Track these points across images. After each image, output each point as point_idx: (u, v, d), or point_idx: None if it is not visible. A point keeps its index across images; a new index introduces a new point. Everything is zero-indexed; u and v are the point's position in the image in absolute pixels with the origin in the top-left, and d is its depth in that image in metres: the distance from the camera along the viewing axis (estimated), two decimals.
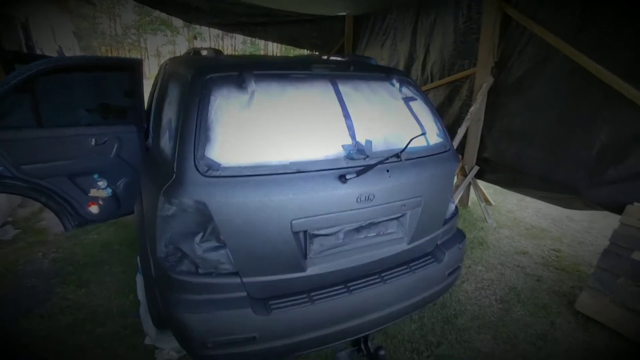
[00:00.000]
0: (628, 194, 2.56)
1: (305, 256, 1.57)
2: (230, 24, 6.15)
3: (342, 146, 1.60)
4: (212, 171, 1.39)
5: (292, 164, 1.49)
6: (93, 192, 2.67)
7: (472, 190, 4.28)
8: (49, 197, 2.54)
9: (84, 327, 2.28)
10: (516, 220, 4.14)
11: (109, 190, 2.72)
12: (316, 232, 1.56)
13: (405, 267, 1.84)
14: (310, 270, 1.59)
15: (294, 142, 1.53)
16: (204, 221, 1.43)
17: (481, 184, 4.27)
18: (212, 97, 1.49)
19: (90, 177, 2.64)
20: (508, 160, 3.63)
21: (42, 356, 2.06)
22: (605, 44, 2.72)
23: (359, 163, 1.60)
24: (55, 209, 2.61)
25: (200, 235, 1.46)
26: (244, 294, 1.51)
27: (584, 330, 2.40)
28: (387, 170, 1.66)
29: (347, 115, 1.66)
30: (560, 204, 3.34)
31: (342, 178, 1.52)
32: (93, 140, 2.53)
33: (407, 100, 1.93)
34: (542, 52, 3.17)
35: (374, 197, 1.61)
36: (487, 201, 4.38)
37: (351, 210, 1.57)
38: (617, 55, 2.66)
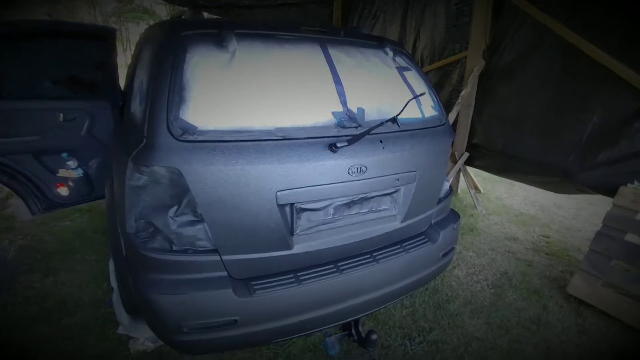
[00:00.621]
0: (620, 176, 2.52)
1: (291, 232, 1.44)
2: (215, 6, 5.91)
3: (333, 113, 1.47)
4: (188, 135, 1.24)
5: (278, 130, 1.35)
6: (62, 173, 2.47)
7: (461, 178, 4.22)
8: (12, 177, 2.32)
9: (50, 317, 2.09)
10: (505, 207, 4.11)
11: (80, 171, 2.52)
12: (304, 206, 1.43)
13: (398, 246, 1.73)
14: (297, 248, 1.46)
15: (279, 107, 1.39)
16: (179, 192, 1.28)
17: (470, 171, 4.21)
18: (188, 55, 1.33)
19: (58, 156, 2.43)
20: (499, 145, 3.58)
21: (1, 348, 1.88)
22: (600, 24, 2.66)
23: (351, 132, 1.47)
24: (20, 190, 2.39)
25: (174, 208, 1.31)
26: (224, 273, 1.37)
27: (577, 313, 2.35)
28: (381, 142, 1.54)
29: (337, 81, 1.53)
30: (552, 189, 3.30)
31: (333, 147, 1.39)
32: (61, 115, 2.33)
33: (401, 70, 1.81)
34: (536, 34, 3.11)
35: (366, 169, 1.49)
36: (476, 188, 4.33)
37: (342, 182, 1.45)
38: (611, 35, 2.61)
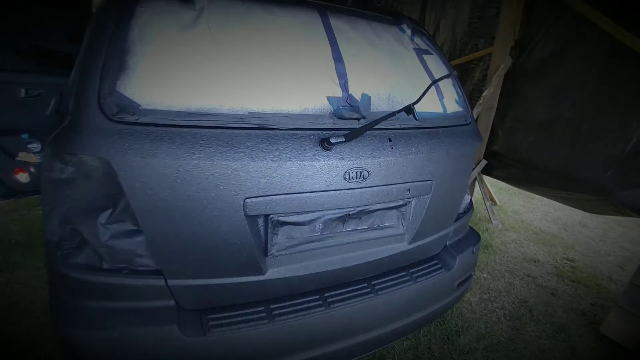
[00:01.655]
0: None
1: (265, 252, 1.09)
2: None
3: (329, 99, 1.12)
4: (125, 115, 0.90)
5: (252, 115, 1.00)
6: (22, 156, 2.16)
7: (476, 188, 3.84)
8: None
9: None
10: (524, 223, 3.71)
11: None
12: (283, 219, 1.08)
13: (404, 273, 1.38)
14: (272, 273, 1.12)
15: (257, 86, 1.04)
16: (113, 192, 0.94)
17: (486, 181, 3.82)
18: (139, 8, 0.99)
19: (17, 137, 2.12)
20: (522, 154, 3.18)
21: None
22: None
23: (350, 125, 1.12)
24: None
25: (107, 212, 0.97)
26: (171, 302, 1.03)
27: (611, 358, 1.97)
28: (389, 140, 1.19)
29: (338, 59, 1.18)
30: (583, 207, 2.90)
31: (326, 143, 1.04)
32: (23, 90, 2.02)
33: (420, 52, 1.45)
34: (576, 29, 2.70)
35: (368, 174, 1.14)
36: (492, 200, 3.94)
37: (336, 190, 1.10)
38: None
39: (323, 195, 1.08)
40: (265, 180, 1.00)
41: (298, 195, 1.05)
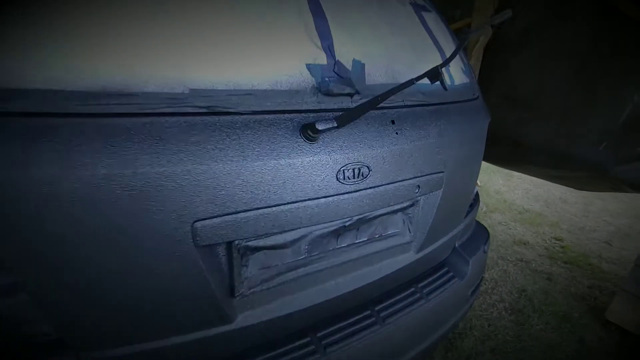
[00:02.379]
0: None
1: (231, 292, 0.76)
2: None
3: (309, 67, 0.78)
4: None
5: (196, 94, 0.65)
6: None
7: None
8: None
9: None
10: (507, 203, 3.60)
11: None
12: (254, 244, 0.76)
13: (412, 290, 1.10)
14: (244, 319, 0.79)
15: (201, 49, 0.68)
16: None
17: None
18: None
19: None
20: (508, 131, 2.99)
21: None
22: None
23: (342, 104, 0.80)
24: None
25: None
26: None
27: (620, 346, 1.84)
28: (392, 122, 0.88)
29: (317, 11, 0.84)
30: (576, 185, 2.77)
31: (309, 130, 0.72)
32: None
33: (418, 8, 1.13)
34: None
35: (368, 171, 0.83)
36: None
37: (327, 197, 0.78)
38: None
39: (309, 205, 0.76)
40: (223, 193, 0.66)
41: (274, 209, 0.72)
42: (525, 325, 1.94)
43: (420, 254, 1.09)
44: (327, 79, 0.79)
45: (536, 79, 2.72)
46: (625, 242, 2.91)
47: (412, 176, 0.93)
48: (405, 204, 0.99)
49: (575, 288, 2.30)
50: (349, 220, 0.88)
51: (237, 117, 0.68)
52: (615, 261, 2.62)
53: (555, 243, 2.87)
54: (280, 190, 0.72)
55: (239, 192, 0.67)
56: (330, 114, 0.76)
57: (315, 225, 0.80)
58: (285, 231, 0.77)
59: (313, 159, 0.74)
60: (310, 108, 0.76)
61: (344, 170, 0.78)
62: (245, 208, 0.69)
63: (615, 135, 2.27)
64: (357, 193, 0.82)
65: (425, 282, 1.13)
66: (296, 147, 0.72)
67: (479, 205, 1.48)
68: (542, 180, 3.24)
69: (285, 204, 0.73)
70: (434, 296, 1.10)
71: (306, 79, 0.77)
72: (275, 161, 0.70)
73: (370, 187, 0.84)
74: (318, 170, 0.75)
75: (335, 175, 0.77)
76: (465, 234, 1.36)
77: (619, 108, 2.26)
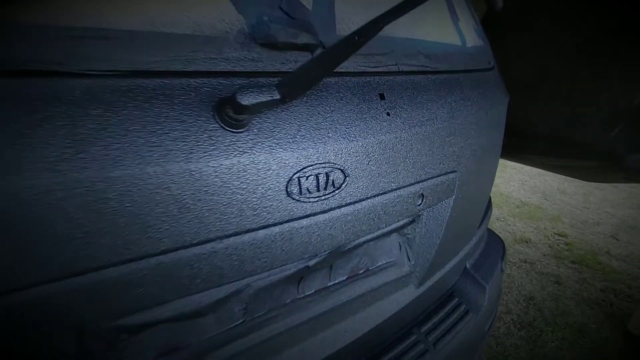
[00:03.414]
0: None
1: None
2: None
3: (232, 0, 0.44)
4: None
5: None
6: None
7: None
8: None
9: None
10: (503, 196, 3.34)
11: None
12: (134, 320, 0.41)
13: (413, 339, 0.78)
14: None
15: None
16: None
17: None
18: None
19: None
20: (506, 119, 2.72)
21: None
22: None
23: (292, 63, 0.46)
24: None
25: None
26: None
27: None
28: (381, 97, 0.55)
29: None
30: (584, 176, 2.50)
31: (229, 109, 0.37)
32: None
33: None
34: None
35: (344, 178, 0.49)
36: None
37: (267, 227, 0.45)
38: None
39: (236, 245, 0.43)
40: (40, 234, 0.32)
41: (162, 259, 0.38)
42: (538, 342, 1.66)
43: (423, 288, 0.78)
44: (266, 19, 0.45)
45: (537, 58, 2.43)
46: (633, 236, 2.68)
47: (412, 181, 0.60)
48: (402, 222, 0.66)
49: (587, 292, 2.04)
50: (313, 259, 0.55)
51: (85, 80, 0.34)
52: (625, 258, 2.38)
53: (559, 240, 2.62)
54: (174, 225, 0.38)
55: (79, 234, 0.33)
56: (270, 80, 0.43)
57: (253, 275, 0.47)
58: (197, 291, 0.43)
59: (239, 162, 0.40)
60: (236, 69, 0.42)
61: (299, 178, 0.45)
62: (99, 264, 0.35)
63: (629, 119, 2.00)
64: (326, 215, 0.49)
65: (430, 323, 0.81)
66: (206, 141, 0.38)
67: (491, 209, 1.17)
68: (537, 170, 3.00)
69: (186, 246, 0.39)
70: (443, 344, 0.78)
71: (228, 17, 0.43)
72: (159, 168, 0.36)
73: (347, 204, 0.51)
74: (250, 181, 0.41)
75: (284, 188, 0.44)
76: (477, 248, 1.05)
77: (633, 88, 1.99)
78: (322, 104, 0.47)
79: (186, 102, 0.38)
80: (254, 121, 0.41)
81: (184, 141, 0.37)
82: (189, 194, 0.38)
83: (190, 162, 0.37)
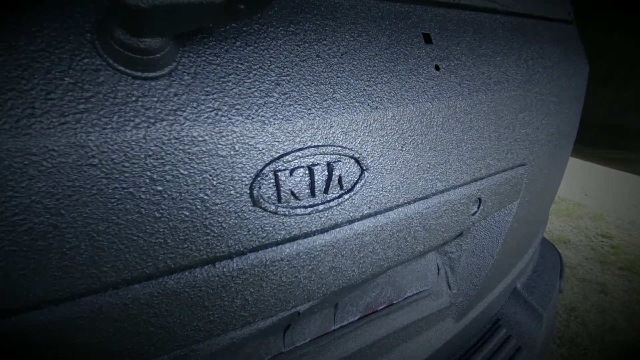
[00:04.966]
0: None
1: None
2: None
3: None
4: None
5: None
6: None
7: None
8: None
9: None
10: None
11: None
12: None
13: None
14: None
15: None
16: None
17: None
18: None
19: None
20: None
21: None
22: None
23: None
24: None
25: None
26: None
27: None
28: (427, 39, 0.33)
29: None
30: (637, 170, 2.20)
31: (112, 17, 0.16)
32: None
33: None
34: None
35: (360, 173, 0.28)
36: None
37: (228, 259, 0.24)
38: None
39: (153, 293, 0.23)
40: None
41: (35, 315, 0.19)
42: None
43: (465, 321, 0.57)
44: None
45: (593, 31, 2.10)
46: None
47: (468, 179, 0.39)
48: (446, 237, 0.45)
49: (639, 305, 1.77)
50: (306, 304, 0.35)
51: None
52: None
53: (603, 242, 2.33)
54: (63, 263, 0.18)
55: None
56: None
57: (211, 338, 0.27)
58: None
59: (148, 139, 0.20)
60: None
61: (275, 173, 0.24)
62: None
63: None
64: (325, 236, 0.29)
65: None
66: (78, 97, 0.18)
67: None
68: (577, 161, 2.67)
69: (79, 296, 0.20)
70: None
71: None
72: None
73: (363, 217, 0.31)
74: (172, 178, 0.21)
75: (246, 192, 0.23)
76: (530, 263, 0.82)
77: None
78: (324, 38, 0.26)
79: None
80: (182, 58, 0.20)
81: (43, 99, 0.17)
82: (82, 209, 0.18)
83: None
